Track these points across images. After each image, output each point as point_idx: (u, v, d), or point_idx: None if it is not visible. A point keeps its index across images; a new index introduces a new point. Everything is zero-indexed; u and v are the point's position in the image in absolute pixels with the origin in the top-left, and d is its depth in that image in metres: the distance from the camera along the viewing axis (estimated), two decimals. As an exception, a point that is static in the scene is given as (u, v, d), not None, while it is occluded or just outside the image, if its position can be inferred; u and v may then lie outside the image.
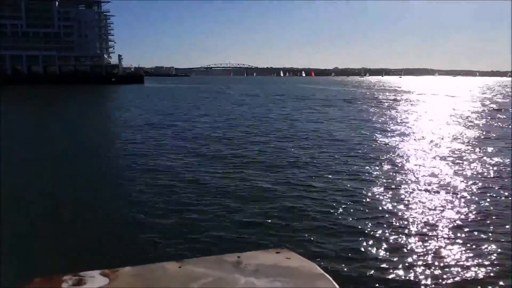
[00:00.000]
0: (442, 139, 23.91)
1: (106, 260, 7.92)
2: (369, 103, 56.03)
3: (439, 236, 9.58)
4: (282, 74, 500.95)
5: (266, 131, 27.23)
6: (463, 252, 8.78)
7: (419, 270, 7.96)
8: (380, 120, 34.01)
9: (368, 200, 12.27)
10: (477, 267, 8.07)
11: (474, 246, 9.06)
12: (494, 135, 25.86)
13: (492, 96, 78.38)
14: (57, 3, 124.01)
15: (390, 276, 7.72)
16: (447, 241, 9.31)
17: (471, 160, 17.96)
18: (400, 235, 9.64)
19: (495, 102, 59.04)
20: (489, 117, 37.05)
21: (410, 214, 11.02)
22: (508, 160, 17.88)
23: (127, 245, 9.15)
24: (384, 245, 9.07)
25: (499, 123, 32.70)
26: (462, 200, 12.27)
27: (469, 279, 7.68)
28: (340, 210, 11.37)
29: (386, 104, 54.36)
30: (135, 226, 10.26)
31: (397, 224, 10.35)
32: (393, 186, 13.69)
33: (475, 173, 15.64)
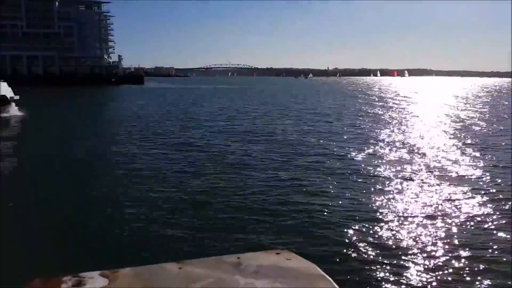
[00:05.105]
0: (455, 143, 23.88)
1: (105, 261, 7.91)
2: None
3: (441, 238, 9.57)
4: (338, 75, 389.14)
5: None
6: (464, 253, 8.78)
7: (420, 271, 7.96)
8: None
9: (369, 201, 12.27)
10: (478, 269, 8.06)
11: (475, 248, 9.06)
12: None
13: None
14: (57, 3, 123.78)
15: (391, 278, 7.71)
16: (449, 243, 9.31)
17: (471, 162, 17.97)
18: (401, 237, 9.64)
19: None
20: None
21: (412, 216, 11.02)
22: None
23: (127, 246, 9.15)
24: (385, 247, 9.06)
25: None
26: (465, 203, 12.28)
27: (470, 280, 7.67)
28: (341, 211, 11.36)
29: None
30: (134, 227, 10.26)
31: (398, 225, 10.35)
32: (393, 188, 13.68)
33: (474, 176, 15.64)
